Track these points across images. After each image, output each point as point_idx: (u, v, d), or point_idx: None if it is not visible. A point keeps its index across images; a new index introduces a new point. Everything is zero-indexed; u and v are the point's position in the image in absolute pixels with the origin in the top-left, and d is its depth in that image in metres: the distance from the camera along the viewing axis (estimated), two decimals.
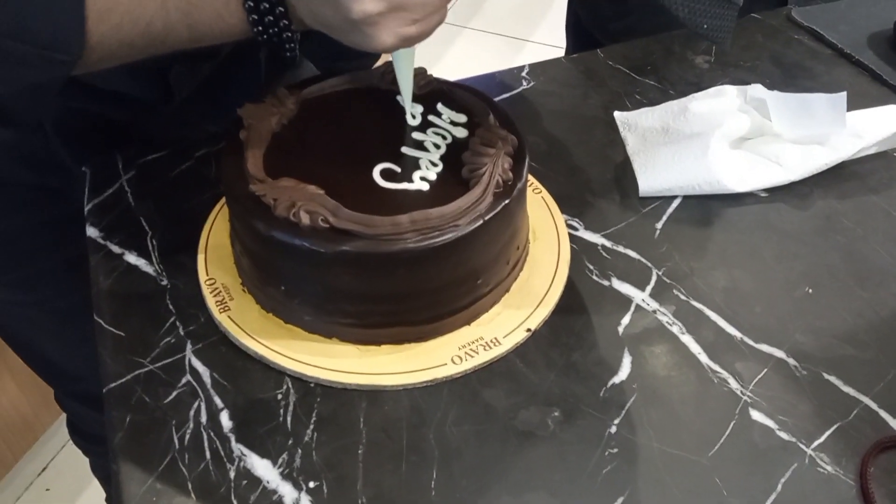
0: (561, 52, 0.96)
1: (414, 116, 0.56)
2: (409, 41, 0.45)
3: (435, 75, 0.59)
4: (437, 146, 0.54)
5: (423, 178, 0.51)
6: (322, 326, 0.52)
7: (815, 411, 0.49)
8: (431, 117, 0.56)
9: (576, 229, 0.61)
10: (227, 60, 0.66)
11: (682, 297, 0.56)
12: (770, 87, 0.66)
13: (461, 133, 0.55)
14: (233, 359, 0.52)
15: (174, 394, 0.50)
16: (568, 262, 0.57)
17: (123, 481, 0.46)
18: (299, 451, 0.47)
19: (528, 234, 0.58)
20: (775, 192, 0.64)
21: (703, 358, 0.52)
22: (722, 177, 0.62)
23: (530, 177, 0.63)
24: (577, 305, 0.55)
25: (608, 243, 0.60)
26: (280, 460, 0.46)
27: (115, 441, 0.47)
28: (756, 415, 0.49)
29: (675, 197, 0.63)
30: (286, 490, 0.45)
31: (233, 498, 0.45)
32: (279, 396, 0.50)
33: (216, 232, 0.59)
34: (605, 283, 0.57)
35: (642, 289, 0.56)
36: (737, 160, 0.63)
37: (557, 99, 0.74)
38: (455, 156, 0.53)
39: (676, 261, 0.58)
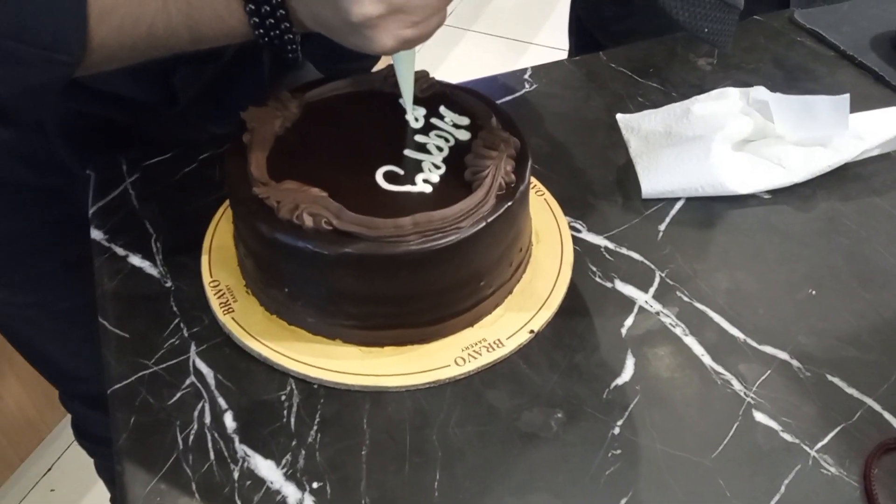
0: (563, 55, 0.96)
1: (417, 119, 0.56)
2: (409, 44, 0.45)
3: (437, 78, 0.59)
4: (440, 149, 0.54)
5: (425, 181, 0.51)
6: (325, 328, 0.52)
7: (818, 413, 0.49)
8: (434, 120, 0.57)
9: (579, 231, 0.61)
10: (230, 63, 0.66)
11: (686, 299, 0.56)
12: (773, 89, 0.66)
13: (464, 135, 0.55)
14: (236, 360, 0.52)
15: (178, 395, 0.50)
16: (571, 264, 0.57)
17: (128, 482, 0.46)
18: (303, 451, 0.47)
19: (530, 236, 0.58)
20: (778, 194, 0.64)
21: (707, 359, 0.52)
22: (725, 179, 0.62)
23: (533, 179, 0.63)
24: (580, 307, 0.55)
25: (611, 245, 0.60)
26: (284, 461, 0.47)
27: (119, 442, 0.48)
28: (759, 416, 0.49)
29: (677, 199, 0.63)
30: (290, 491, 0.45)
31: (236, 498, 0.45)
32: (283, 398, 0.50)
33: (220, 234, 0.59)
34: (608, 284, 0.57)
35: (645, 290, 0.56)
36: (739, 162, 0.63)
37: (560, 101, 0.74)
38: (458, 158, 0.53)
39: (679, 263, 0.58)
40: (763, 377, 0.51)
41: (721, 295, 0.56)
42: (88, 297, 0.57)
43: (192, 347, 0.52)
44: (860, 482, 0.46)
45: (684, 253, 0.59)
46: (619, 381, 0.51)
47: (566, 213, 0.61)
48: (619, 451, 0.47)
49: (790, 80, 0.75)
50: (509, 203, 0.50)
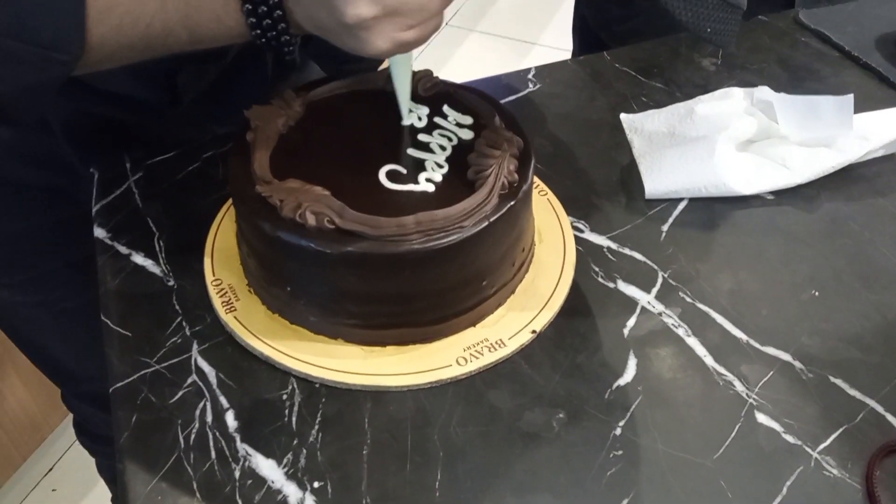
0: (567, 55, 0.96)
1: (420, 119, 0.56)
2: (405, 47, 0.45)
3: (441, 78, 0.59)
4: (443, 148, 0.54)
5: (428, 180, 0.51)
6: (327, 327, 0.52)
7: (821, 414, 0.49)
8: (437, 119, 0.56)
9: (581, 231, 0.61)
10: (233, 63, 0.66)
11: (688, 300, 0.56)
12: (777, 89, 0.66)
13: (467, 135, 0.55)
14: (238, 359, 0.52)
15: (180, 394, 0.50)
16: (573, 264, 0.57)
17: (129, 480, 0.46)
18: (304, 451, 0.47)
19: (533, 235, 0.58)
20: (782, 195, 0.64)
21: (709, 360, 0.52)
22: (728, 179, 0.62)
23: (536, 179, 0.63)
24: (582, 307, 0.55)
25: (614, 245, 0.60)
26: (285, 460, 0.47)
27: (120, 440, 0.48)
28: (762, 417, 0.49)
29: (681, 199, 0.63)
30: (291, 490, 0.45)
31: (237, 497, 0.45)
32: (284, 397, 0.50)
33: (223, 233, 0.59)
34: (611, 285, 0.57)
35: (648, 291, 0.56)
36: (743, 162, 0.63)
37: (563, 101, 0.74)
38: (461, 157, 0.53)
39: (682, 263, 0.58)
40: (765, 378, 0.51)
41: (724, 296, 0.56)
42: (91, 295, 0.57)
43: (194, 346, 0.52)
44: (862, 484, 0.45)
45: (687, 253, 0.59)
46: (621, 381, 0.51)
47: (569, 213, 0.61)
48: (620, 452, 0.47)
49: (794, 80, 0.75)
50: (512, 202, 0.50)
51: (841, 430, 0.48)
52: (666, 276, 0.57)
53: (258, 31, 0.47)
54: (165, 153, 0.67)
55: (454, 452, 0.47)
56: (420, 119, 0.56)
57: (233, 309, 0.53)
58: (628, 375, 0.51)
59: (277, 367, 0.51)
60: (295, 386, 0.50)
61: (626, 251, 0.59)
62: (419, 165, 0.52)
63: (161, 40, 0.46)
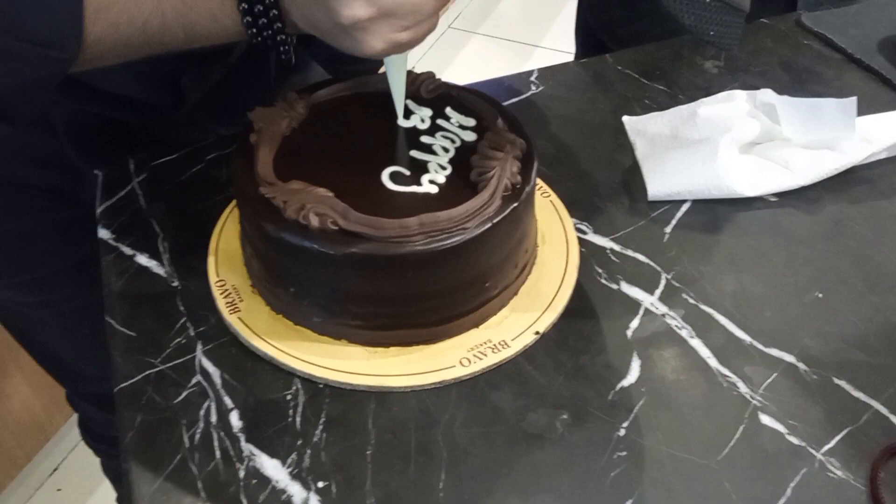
0: (570, 57, 0.96)
1: (423, 121, 0.56)
2: (400, 47, 0.46)
3: (444, 80, 0.60)
4: (446, 149, 0.54)
5: (431, 182, 0.52)
6: (331, 328, 0.52)
7: (824, 416, 0.49)
8: (440, 121, 0.57)
9: (584, 233, 0.61)
10: (237, 65, 0.67)
11: (692, 301, 0.56)
12: (779, 91, 0.66)
13: (470, 137, 0.55)
14: (243, 359, 0.52)
15: (184, 394, 0.50)
16: (576, 266, 0.57)
17: (134, 480, 0.46)
18: (308, 451, 0.47)
19: (536, 237, 0.58)
20: (785, 197, 0.64)
21: (713, 362, 0.52)
22: (731, 181, 0.62)
23: (539, 181, 0.63)
24: (585, 309, 0.55)
25: (617, 247, 0.60)
26: (289, 460, 0.47)
27: (125, 440, 0.48)
28: (765, 419, 0.49)
29: (683, 201, 0.63)
30: (295, 490, 0.45)
31: (242, 497, 0.45)
32: (288, 397, 0.50)
33: (227, 234, 0.59)
34: (614, 286, 0.57)
35: (651, 293, 0.56)
36: (746, 165, 0.63)
37: (566, 103, 0.74)
38: (464, 159, 0.53)
39: (685, 265, 0.58)
40: (769, 380, 0.51)
41: (727, 297, 0.56)
42: (96, 296, 0.57)
43: (199, 346, 0.53)
44: (866, 486, 0.45)
45: (690, 255, 0.59)
46: (625, 382, 0.51)
47: (572, 215, 0.61)
48: (624, 453, 0.47)
49: (797, 82, 0.75)
50: (515, 204, 0.50)
51: (845, 431, 0.48)
52: (669, 277, 0.57)
53: (254, 31, 0.47)
54: (169, 155, 0.67)
55: (458, 453, 0.47)
56: (423, 121, 0.57)
57: (237, 310, 0.54)
58: (632, 377, 0.51)
59: (281, 368, 0.51)
60: (299, 386, 0.50)
61: (630, 253, 0.59)
62: (422, 167, 0.53)
63: (158, 38, 0.47)
